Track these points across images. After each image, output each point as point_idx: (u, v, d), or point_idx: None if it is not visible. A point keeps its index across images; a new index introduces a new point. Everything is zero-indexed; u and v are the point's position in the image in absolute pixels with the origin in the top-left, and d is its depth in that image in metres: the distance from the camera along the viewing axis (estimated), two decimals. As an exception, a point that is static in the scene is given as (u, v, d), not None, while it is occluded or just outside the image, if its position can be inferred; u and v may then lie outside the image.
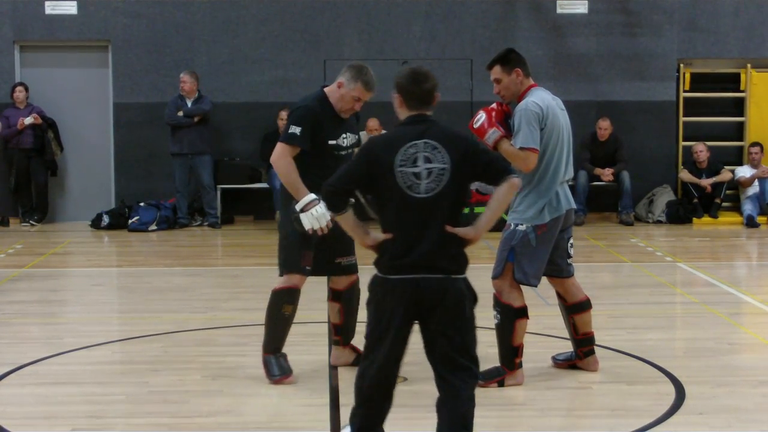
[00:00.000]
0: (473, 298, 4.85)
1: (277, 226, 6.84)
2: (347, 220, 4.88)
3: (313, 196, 6.43)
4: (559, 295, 6.96)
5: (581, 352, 6.95)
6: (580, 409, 6.34)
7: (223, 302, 9.66)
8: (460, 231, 4.75)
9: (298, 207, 6.46)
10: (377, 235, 4.80)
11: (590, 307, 6.92)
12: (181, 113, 14.97)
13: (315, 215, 6.42)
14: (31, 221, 15.42)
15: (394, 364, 4.81)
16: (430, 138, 4.76)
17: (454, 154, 4.74)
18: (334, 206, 4.86)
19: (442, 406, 4.80)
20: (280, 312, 6.67)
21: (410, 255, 4.69)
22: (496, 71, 6.63)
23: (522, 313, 6.57)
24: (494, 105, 6.67)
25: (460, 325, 4.75)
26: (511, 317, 6.55)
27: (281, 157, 6.55)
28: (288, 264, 6.69)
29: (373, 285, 4.82)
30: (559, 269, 6.79)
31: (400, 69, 4.97)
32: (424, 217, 4.71)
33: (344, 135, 6.70)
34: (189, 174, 15.17)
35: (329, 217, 6.35)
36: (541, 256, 6.59)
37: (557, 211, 6.57)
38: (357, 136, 6.90)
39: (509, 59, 6.62)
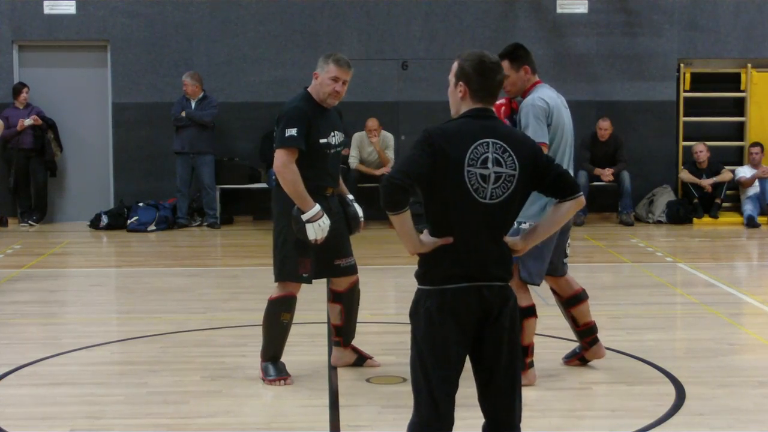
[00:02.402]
0: (518, 312, 4.45)
1: (273, 230, 6.80)
2: (405, 221, 4.22)
3: (318, 206, 6.43)
4: (554, 291, 6.98)
5: (586, 343, 6.97)
6: (581, 410, 6.33)
7: (223, 303, 9.65)
8: (510, 241, 4.38)
9: (305, 217, 6.43)
10: (431, 239, 4.26)
11: (587, 297, 6.93)
12: (184, 114, 14.97)
13: (321, 226, 6.42)
14: (30, 221, 15.41)
15: (453, 390, 4.28)
16: (500, 138, 4.26)
17: (522, 159, 4.27)
18: (396, 203, 4.19)
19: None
20: (278, 320, 6.66)
21: (472, 264, 4.23)
22: (504, 67, 6.59)
23: (530, 312, 6.56)
24: (503, 100, 6.66)
25: (517, 333, 4.38)
26: (519, 317, 6.53)
27: (286, 165, 6.48)
28: (284, 272, 6.66)
29: (422, 302, 4.25)
30: (554, 268, 6.79)
31: (465, 52, 4.39)
32: (487, 225, 4.25)
33: (333, 133, 6.69)
34: (190, 174, 15.16)
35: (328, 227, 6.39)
36: (545, 255, 6.59)
37: (561, 209, 6.55)
38: (344, 135, 6.88)
39: (518, 55, 6.62)
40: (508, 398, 4.32)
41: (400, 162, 4.29)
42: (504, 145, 4.26)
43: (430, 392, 4.24)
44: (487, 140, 4.25)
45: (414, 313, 4.30)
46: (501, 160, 4.24)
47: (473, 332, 4.26)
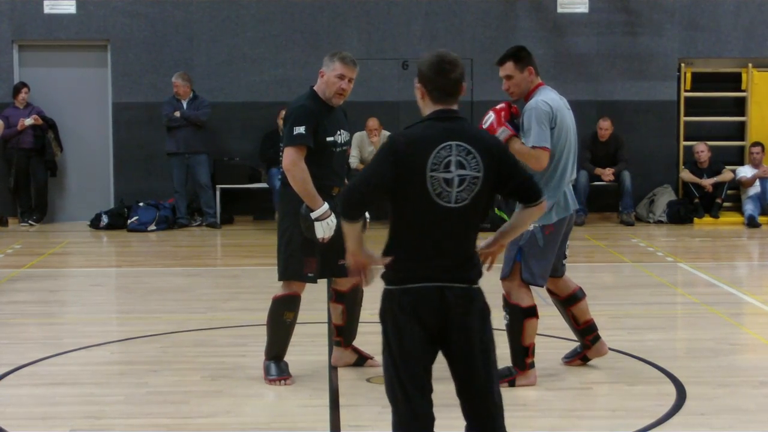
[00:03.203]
0: (488, 308, 4.39)
1: (277, 229, 6.79)
2: (355, 230, 4.28)
3: (327, 205, 6.43)
4: (551, 292, 6.98)
5: (588, 341, 6.97)
6: (581, 410, 6.32)
7: (223, 302, 9.64)
8: (484, 250, 4.43)
9: (314, 216, 6.43)
10: (375, 257, 4.32)
11: (584, 295, 6.93)
12: (177, 114, 14.95)
13: (329, 225, 6.43)
14: (30, 221, 15.40)
15: (427, 387, 4.29)
16: (463, 140, 4.22)
17: (487, 161, 4.22)
18: (355, 215, 4.26)
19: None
20: (282, 319, 6.66)
21: (434, 266, 4.23)
22: (509, 68, 6.60)
23: (531, 312, 6.56)
24: (503, 105, 6.66)
25: (488, 334, 4.32)
26: (519, 317, 6.54)
27: (295, 163, 6.47)
28: (289, 272, 6.65)
29: (387, 302, 4.29)
30: (554, 269, 6.79)
31: (423, 55, 4.39)
32: (451, 229, 4.23)
33: (339, 131, 6.70)
34: (186, 173, 15.15)
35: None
36: (549, 256, 6.58)
37: (565, 211, 6.56)
38: (349, 134, 6.89)
39: (522, 56, 6.61)
40: (484, 400, 4.31)
41: (364, 171, 4.31)
42: (468, 146, 4.23)
43: (404, 391, 4.26)
44: (450, 143, 4.22)
45: (382, 314, 4.32)
46: (464, 162, 4.21)
47: (439, 332, 4.27)
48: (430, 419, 4.34)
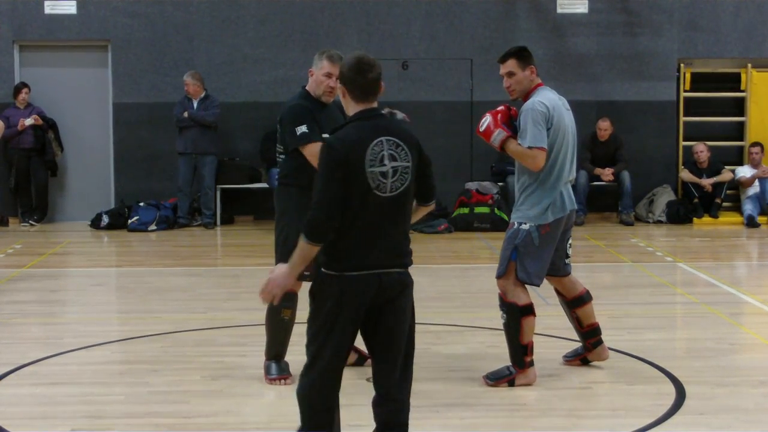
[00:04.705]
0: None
1: (275, 228, 6.79)
2: (312, 253, 4.59)
3: None
4: (558, 292, 6.99)
5: (589, 344, 6.98)
6: (581, 409, 6.33)
7: (223, 302, 9.65)
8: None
9: None
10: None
11: (590, 299, 6.95)
12: (186, 114, 14.98)
13: None
14: (30, 221, 15.42)
15: (344, 360, 4.70)
16: (391, 135, 4.62)
17: (413, 151, 4.65)
18: (323, 239, 4.54)
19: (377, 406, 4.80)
20: (279, 317, 6.67)
21: (373, 253, 4.57)
22: (511, 65, 6.62)
23: (527, 310, 6.57)
24: (501, 107, 6.69)
25: (409, 312, 4.72)
26: (516, 315, 6.55)
27: (316, 157, 6.43)
28: None
29: (325, 284, 4.62)
30: (556, 268, 6.80)
31: (345, 57, 4.76)
32: (390, 216, 4.60)
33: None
34: (192, 173, 15.17)
35: None
36: (544, 255, 6.59)
37: (561, 211, 6.57)
38: None
39: (524, 55, 6.65)
40: (401, 374, 4.70)
41: (319, 194, 4.53)
42: (396, 140, 4.62)
43: (323, 363, 4.63)
44: (381, 138, 4.59)
45: (317, 293, 4.67)
46: (395, 154, 4.60)
47: (369, 314, 4.62)
48: (337, 390, 4.76)
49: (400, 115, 6.57)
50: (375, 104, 4.68)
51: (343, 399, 6.33)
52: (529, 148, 6.45)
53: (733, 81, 16.28)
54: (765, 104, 16.18)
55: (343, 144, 4.55)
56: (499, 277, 6.64)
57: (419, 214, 4.90)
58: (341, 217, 4.53)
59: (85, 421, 6.04)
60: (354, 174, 4.51)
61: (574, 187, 6.78)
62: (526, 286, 6.64)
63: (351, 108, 4.68)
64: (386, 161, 4.56)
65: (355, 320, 4.61)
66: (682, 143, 16.15)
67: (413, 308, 4.77)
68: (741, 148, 16.29)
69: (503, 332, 6.71)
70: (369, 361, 7.04)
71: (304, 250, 4.58)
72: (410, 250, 4.72)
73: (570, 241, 6.85)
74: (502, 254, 6.65)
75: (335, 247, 4.58)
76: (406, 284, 4.68)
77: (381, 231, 4.58)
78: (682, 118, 16.16)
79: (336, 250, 4.59)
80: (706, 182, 15.51)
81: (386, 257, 4.60)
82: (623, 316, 8.86)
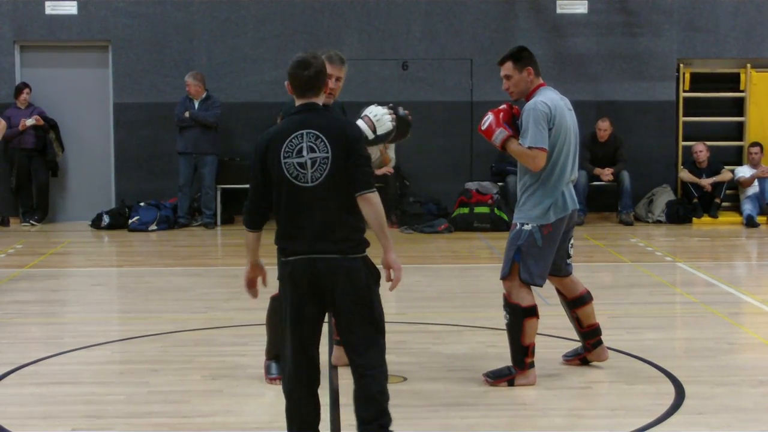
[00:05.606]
0: (373, 275, 4.99)
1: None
2: (256, 240, 5.04)
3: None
4: (559, 292, 7.00)
5: (589, 345, 6.99)
6: (581, 409, 6.34)
7: (223, 302, 9.66)
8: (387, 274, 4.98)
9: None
10: (261, 264, 5.09)
11: (591, 299, 6.95)
12: (187, 114, 14.99)
13: (383, 117, 6.30)
14: (31, 221, 15.43)
15: (308, 345, 4.94)
16: (313, 128, 4.90)
17: (334, 143, 4.87)
18: (254, 223, 5.03)
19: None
20: (279, 317, 6.66)
21: (303, 239, 4.87)
22: (508, 67, 6.64)
23: (531, 312, 6.58)
24: (503, 106, 6.70)
25: (362, 296, 4.91)
26: (519, 317, 6.56)
27: None
28: None
29: (280, 270, 5.04)
30: (557, 269, 6.80)
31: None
32: (312, 205, 4.87)
33: None
34: (193, 173, 15.18)
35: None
36: (547, 256, 6.60)
37: (563, 211, 6.58)
38: None
39: (522, 57, 6.65)
40: (366, 348, 4.92)
41: (249, 184, 5.06)
42: (317, 133, 4.89)
43: (291, 347, 4.94)
44: (302, 131, 4.91)
45: (279, 279, 5.06)
46: (315, 146, 4.88)
47: (323, 298, 4.90)
48: (313, 375, 4.99)
49: (402, 111, 6.56)
50: (315, 99, 4.99)
51: (343, 399, 6.35)
52: (530, 148, 6.46)
53: (732, 81, 16.28)
54: (764, 104, 16.19)
55: (264, 137, 4.99)
56: (503, 278, 6.64)
57: (367, 206, 4.90)
58: (272, 206, 4.91)
59: (86, 420, 6.05)
60: (273, 165, 4.90)
61: (574, 187, 6.78)
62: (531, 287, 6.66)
63: (297, 102, 5.02)
64: (304, 153, 4.87)
65: (309, 303, 4.88)
66: (682, 143, 16.16)
67: (371, 290, 4.94)
68: (740, 148, 16.30)
69: (504, 332, 6.72)
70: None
71: (245, 237, 5.06)
72: (353, 237, 4.91)
73: (572, 241, 6.85)
74: (506, 255, 6.65)
75: (276, 234, 4.97)
76: (352, 269, 4.87)
77: (309, 219, 4.87)
78: (682, 118, 16.17)
79: (277, 238, 4.98)
80: (706, 182, 15.52)
81: (318, 243, 4.86)
82: (623, 315, 8.87)
